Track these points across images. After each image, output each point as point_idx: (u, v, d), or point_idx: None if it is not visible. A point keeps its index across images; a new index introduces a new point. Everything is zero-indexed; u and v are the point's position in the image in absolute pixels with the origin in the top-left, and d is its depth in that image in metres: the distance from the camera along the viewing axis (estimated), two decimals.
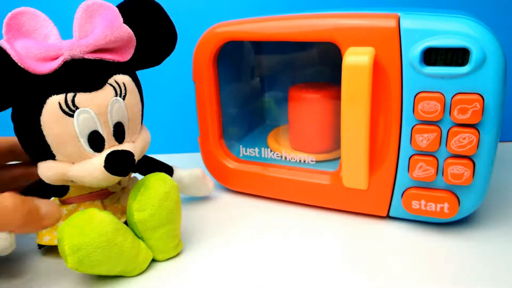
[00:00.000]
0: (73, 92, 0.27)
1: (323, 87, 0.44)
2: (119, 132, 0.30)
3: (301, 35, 0.37)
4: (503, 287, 0.30)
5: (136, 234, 0.32)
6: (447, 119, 0.32)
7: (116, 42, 0.29)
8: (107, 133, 0.29)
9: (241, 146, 0.45)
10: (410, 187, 0.35)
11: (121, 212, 0.35)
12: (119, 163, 0.29)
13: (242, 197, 0.45)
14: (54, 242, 0.33)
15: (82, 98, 0.28)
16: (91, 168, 0.29)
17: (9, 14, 0.26)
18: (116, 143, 0.30)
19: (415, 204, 0.35)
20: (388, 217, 0.39)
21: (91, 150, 0.29)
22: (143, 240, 0.32)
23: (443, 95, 0.31)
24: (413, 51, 0.32)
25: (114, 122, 0.30)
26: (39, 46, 0.27)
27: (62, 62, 0.27)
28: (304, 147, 0.45)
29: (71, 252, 0.27)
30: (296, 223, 0.39)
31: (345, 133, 0.34)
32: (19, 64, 0.26)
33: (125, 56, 0.31)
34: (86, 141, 0.29)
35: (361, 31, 0.33)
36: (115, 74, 0.30)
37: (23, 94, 0.27)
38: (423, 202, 0.35)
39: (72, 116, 0.27)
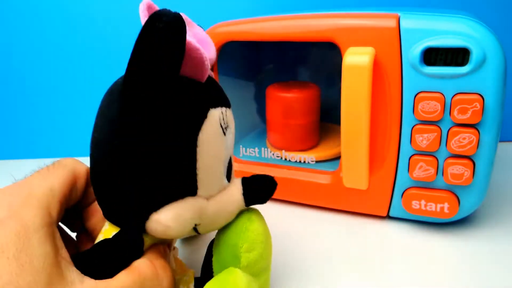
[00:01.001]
0: (222, 107, 0.23)
1: (299, 86, 0.45)
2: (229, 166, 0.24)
3: (301, 35, 0.37)
4: (503, 286, 0.30)
5: None
6: (447, 119, 0.32)
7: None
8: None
9: (241, 146, 0.45)
10: (410, 187, 0.35)
11: None
12: (264, 187, 0.25)
13: None
14: None
15: (229, 114, 0.23)
16: (230, 200, 0.23)
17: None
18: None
19: (415, 204, 0.35)
20: (388, 217, 0.39)
21: (226, 180, 0.24)
22: None
23: (443, 95, 0.31)
24: (413, 51, 0.32)
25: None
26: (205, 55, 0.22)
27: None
28: (280, 144, 0.45)
29: None
30: (296, 223, 0.39)
31: (345, 133, 0.34)
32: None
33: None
34: (225, 169, 0.23)
35: (361, 31, 0.33)
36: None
37: (178, 101, 0.20)
38: (423, 202, 0.35)
39: (225, 134, 0.22)
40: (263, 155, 0.45)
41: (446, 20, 0.31)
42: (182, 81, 0.21)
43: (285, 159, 0.44)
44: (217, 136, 0.22)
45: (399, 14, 0.33)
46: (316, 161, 0.43)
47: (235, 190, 0.23)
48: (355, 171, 0.35)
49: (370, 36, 0.33)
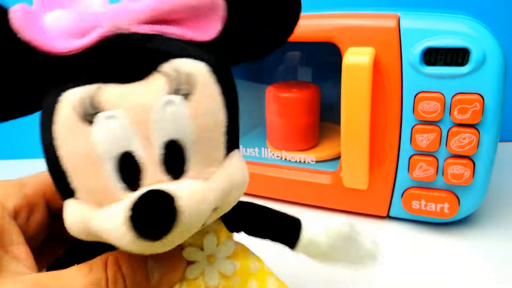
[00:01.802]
0: (98, 82, 0.16)
1: (299, 86, 0.45)
2: (173, 157, 0.17)
3: (301, 35, 0.36)
4: (503, 286, 0.30)
5: None
6: (447, 119, 0.32)
7: (188, 8, 0.18)
8: (150, 157, 0.17)
9: (241, 146, 0.45)
10: (410, 187, 0.35)
11: None
12: (150, 217, 0.16)
13: (242, 197, 0.45)
14: None
15: (109, 93, 0.16)
16: (114, 220, 0.16)
17: None
18: (166, 177, 0.17)
19: (415, 204, 0.35)
20: (388, 217, 0.39)
21: (122, 184, 0.17)
22: None
23: (443, 95, 0.31)
24: (413, 51, 0.32)
25: (165, 139, 0.17)
26: (71, 17, 0.17)
27: (100, 38, 0.17)
28: (280, 144, 0.45)
29: None
30: None
31: (345, 133, 0.34)
32: (22, 37, 0.16)
33: (204, 32, 0.19)
34: (115, 169, 0.16)
35: (361, 31, 0.33)
36: (177, 57, 0.17)
37: (36, 86, 0.17)
38: (423, 202, 0.35)
39: (91, 123, 0.16)
40: (263, 155, 0.45)
41: (446, 20, 0.31)
42: (37, 58, 0.17)
43: (285, 159, 0.44)
44: (73, 126, 0.16)
45: (399, 14, 0.33)
46: (316, 161, 0.43)
47: (121, 208, 0.16)
48: (355, 171, 0.35)
49: (370, 36, 0.33)
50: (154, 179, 0.17)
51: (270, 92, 0.44)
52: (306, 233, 0.23)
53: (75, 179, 0.17)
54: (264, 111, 0.46)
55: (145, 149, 0.16)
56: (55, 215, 0.20)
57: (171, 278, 0.20)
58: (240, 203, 0.24)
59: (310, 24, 0.36)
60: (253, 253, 0.24)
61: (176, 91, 0.17)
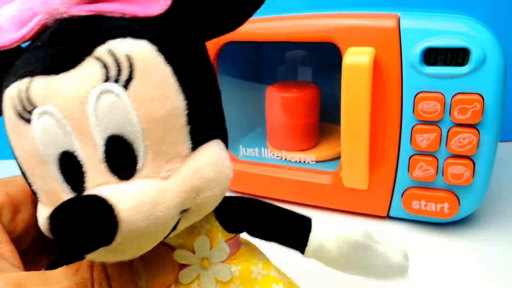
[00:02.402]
0: (29, 76, 0.15)
1: (299, 86, 0.45)
2: (119, 155, 0.15)
3: (301, 35, 0.37)
4: (503, 286, 0.30)
5: None
6: (447, 119, 0.32)
7: None
8: (92, 156, 0.15)
9: (241, 146, 0.45)
10: (410, 187, 0.35)
11: None
12: (68, 225, 0.13)
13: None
14: None
15: (38, 87, 0.14)
16: None
17: None
18: (114, 177, 0.15)
19: (415, 204, 0.35)
20: (388, 217, 0.39)
21: (67, 187, 0.15)
22: None
23: (443, 95, 0.31)
24: (413, 51, 0.32)
25: (106, 134, 0.14)
26: (14, 7, 0.16)
27: (39, 27, 0.15)
28: (280, 144, 0.45)
29: None
30: None
31: (345, 133, 0.34)
32: None
33: (151, 5, 0.16)
34: (58, 169, 0.15)
35: (361, 31, 0.33)
36: (114, 37, 0.15)
37: None
38: (423, 202, 0.35)
39: (29, 121, 0.15)
40: (263, 155, 0.45)
41: (446, 20, 0.31)
42: None
43: (285, 159, 0.44)
44: (15, 126, 0.15)
45: (399, 14, 0.33)
46: (316, 161, 0.43)
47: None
48: (355, 171, 0.35)
49: (370, 36, 0.33)
50: (98, 180, 0.15)
51: (270, 92, 0.44)
52: (315, 237, 0.21)
53: (31, 180, 0.16)
54: (264, 111, 0.46)
55: (86, 147, 0.14)
56: None
57: (160, 281, 0.19)
58: (239, 200, 0.21)
59: (310, 24, 0.36)
60: (262, 255, 0.22)
61: (114, 78, 0.14)
